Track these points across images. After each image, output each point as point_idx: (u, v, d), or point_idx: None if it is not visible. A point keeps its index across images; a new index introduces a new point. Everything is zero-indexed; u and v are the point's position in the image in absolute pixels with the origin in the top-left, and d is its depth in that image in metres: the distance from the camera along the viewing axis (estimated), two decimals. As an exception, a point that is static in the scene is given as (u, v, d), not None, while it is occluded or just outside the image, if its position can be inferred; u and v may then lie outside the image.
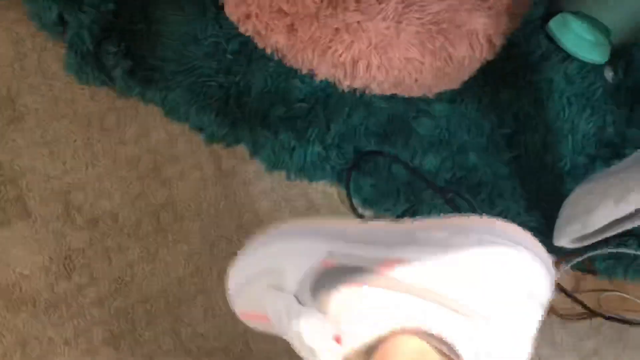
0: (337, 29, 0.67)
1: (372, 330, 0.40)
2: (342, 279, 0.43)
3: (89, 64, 0.73)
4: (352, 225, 0.47)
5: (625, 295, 0.74)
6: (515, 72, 0.80)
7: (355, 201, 0.76)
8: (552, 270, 0.41)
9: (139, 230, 0.74)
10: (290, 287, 0.45)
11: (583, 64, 0.80)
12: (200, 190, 0.76)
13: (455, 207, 0.75)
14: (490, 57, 0.73)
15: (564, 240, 0.70)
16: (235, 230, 0.75)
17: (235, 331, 0.72)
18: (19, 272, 0.72)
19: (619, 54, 0.80)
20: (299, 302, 0.45)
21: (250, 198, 0.76)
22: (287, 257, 0.46)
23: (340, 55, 0.68)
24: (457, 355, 0.38)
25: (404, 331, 0.40)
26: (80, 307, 0.71)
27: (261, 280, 0.47)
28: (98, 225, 0.73)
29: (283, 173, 0.77)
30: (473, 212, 0.74)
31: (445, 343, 0.38)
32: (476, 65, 0.73)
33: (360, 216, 0.76)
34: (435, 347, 0.39)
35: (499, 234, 0.40)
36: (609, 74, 0.80)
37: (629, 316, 0.74)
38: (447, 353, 0.38)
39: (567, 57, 0.80)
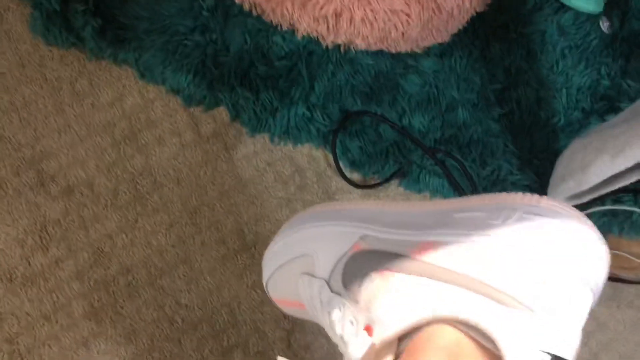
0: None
1: (404, 319, 0.37)
2: (374, 264, 0.41)
3: (56, 24, 0.68)
4: (386, 207, 0.44)
5: (619, 253, 0.72)
6: (507, 23, 0.76)
7: (342, 164, 0.73)
8: (607, 252, 0.36)
9: (116, 199, 0.71)
10: (322, 273, 0.43)
11: (577, 14, 0.76)
12: (180, 156, 0.72)
13: (445, 168, 0.72)
14: (480, 9, 0.69)
15: (558, 198, 0.67)
16: (218, 198, 0.72)
17: (219, 301, 0.70)
18: (-8, 246, 0.69)
19: (615, 3, 0.76)
20: (331, 289, 0.42)
21: (233, 164, 0.73)
22: (319, 242, 0.44)
23: (322, 8, 0.63)
24: (497, 349, 0.33)
25: (438, 321, 0.36)
26: (59, 281, 0.69)
27: (294, 266, 0.46)
28: (73, 195, 0.70)
29: (266, 136, 0.74)
30: (464, 173, 0.71)
31: (484, 335, 0.34)
32: (466, 17, 0.69)
33: (348, 179, 0.73)
34: (473, 339, 0.35)
35: (545, 213, 0.36)
36: (604, 24, 0.76)
37: (623, 274, 0.73)
38: (486, 345, 0.34)
39: (561, 7, 0.76)
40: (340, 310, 0.40)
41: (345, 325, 0.39)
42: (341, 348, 0.40)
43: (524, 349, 0.32)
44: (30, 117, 0.71)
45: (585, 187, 0.63)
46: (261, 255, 0.64)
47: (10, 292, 0.68)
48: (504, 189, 0.73)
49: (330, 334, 0.42)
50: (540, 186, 0.72)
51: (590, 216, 0.71)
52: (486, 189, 0.73)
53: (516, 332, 0.33)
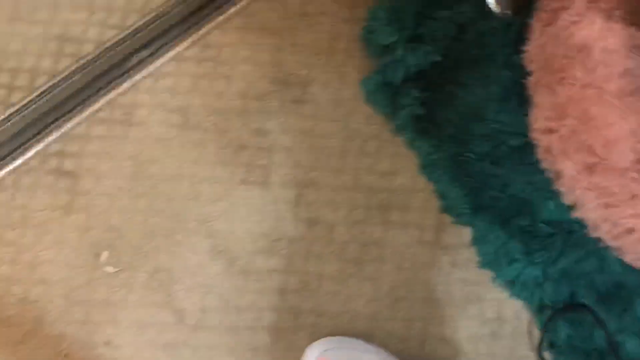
0: (635, 195, 0.65)
1: None
2: None
3: (387, 94, 0.77)
4: None
5: None
6: None
7: (544, 341, 0.75)
8: None
9: (343, 251, 0.78)
10: None
11: None
12: (412, 247, 0.78)
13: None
14: None
15: None
16: (422, 300, 0.77)
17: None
18: (231, 231, 0.78)
19: None
20: None
21: (448, 279, 0.77)
22: None
23: (622, 219, 0.66)
24: None
25: None
26: (264, 288, 0.76)
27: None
28: (315, 228, 0.78)
29: (491, 274, 0.77)
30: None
31: None
32: None
33: (541, 357, 0.75)
34: None
35: None
36: None
37: None
38: None
39: None
40: None
41: None
42: None
43: None
44: (317, 148, 0.80)
45: None
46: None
47: (225, 273, 0.77)
48: None
49: None
50: None
51: None
52: None
53: None
